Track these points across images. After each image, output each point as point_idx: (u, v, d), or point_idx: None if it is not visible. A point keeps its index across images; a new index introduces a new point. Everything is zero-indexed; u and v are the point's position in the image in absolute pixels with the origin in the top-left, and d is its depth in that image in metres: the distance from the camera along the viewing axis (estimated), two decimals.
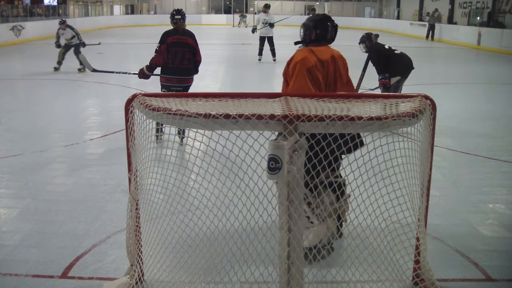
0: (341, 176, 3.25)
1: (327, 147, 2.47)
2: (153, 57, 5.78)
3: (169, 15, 6.02)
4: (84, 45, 11.99)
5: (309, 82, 3.25)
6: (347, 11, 39.46)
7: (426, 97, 2.72)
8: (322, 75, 3.32)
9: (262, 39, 13.96)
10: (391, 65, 6.71)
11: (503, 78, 12.81)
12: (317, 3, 42.04)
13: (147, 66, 5.83)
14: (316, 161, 2.53)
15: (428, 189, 2.83)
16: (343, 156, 2.75)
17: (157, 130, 5.23)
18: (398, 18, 34.35)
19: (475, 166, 5.46)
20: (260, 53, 14.26)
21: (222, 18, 38.12)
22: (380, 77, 6.77)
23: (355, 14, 38.96)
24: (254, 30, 14.42)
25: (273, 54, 13.93)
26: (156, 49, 5.77)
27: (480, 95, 10.42)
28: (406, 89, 6.79)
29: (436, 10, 27.29)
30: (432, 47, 21.68)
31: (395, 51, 6.83)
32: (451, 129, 6.90)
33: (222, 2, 40.92)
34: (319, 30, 3.48)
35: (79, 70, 11.99)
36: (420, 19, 29.64)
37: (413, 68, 6.84)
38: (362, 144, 2.78)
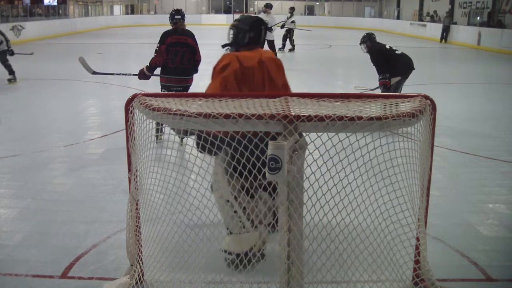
0: None
1: (257, 148, 2.43)
2: (153, 58, 5.78)
3: (169, 15, 6.02)
4: (12, 53, 10.34)
5: (220, 91, 3.08)
6: (347, 11, 39.43)
7: (426, 97, 2.71)
8: (243, 84, 3.15)
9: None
10: (392, 65, 6.71)
11: (503, 78, 12.80)
12: (317, 3, 42.03)
13: (147, 66, 5.83)
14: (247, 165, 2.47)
15: (428, 189, 2.83)
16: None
17: (157, 130, 5.23)
18: (398, 18, 34.33)
19: (475, 166, 5.45)
20: None
21: (222, 18, 38.08)
22: (380, 77, 6.78)
23: (355, 14, 38.92)
24: None
25: None
26: (156, 49, 5.77)
27: (480, 95, 10.42)
28: (406, 89, 6.78)
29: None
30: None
31: (396, 51, 6.83)
32: (451, 129, 6.90)
33: (222, 2, 40.90)
34: (253, 33, 3.29)
35: (9, 80, 10.39)
36: (420, 19, 29.61)
37: (413, 68, 6.84)
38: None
